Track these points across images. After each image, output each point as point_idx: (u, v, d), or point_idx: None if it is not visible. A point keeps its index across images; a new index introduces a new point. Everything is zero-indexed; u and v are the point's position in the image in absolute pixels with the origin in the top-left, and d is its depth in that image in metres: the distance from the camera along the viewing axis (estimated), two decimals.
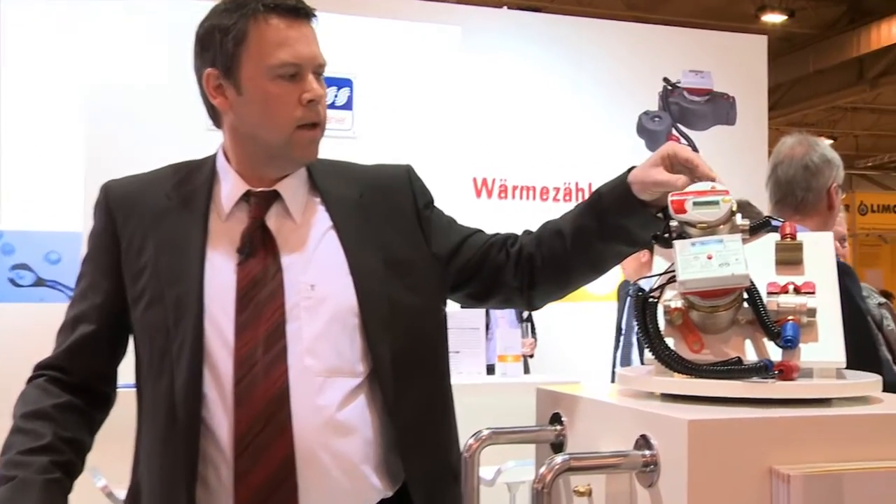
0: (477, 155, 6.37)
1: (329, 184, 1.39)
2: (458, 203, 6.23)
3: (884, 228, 15.65)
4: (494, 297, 1.42)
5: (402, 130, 6.08)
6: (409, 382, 1.31)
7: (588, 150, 6.63)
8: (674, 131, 6.78)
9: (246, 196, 1.35)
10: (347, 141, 5.50)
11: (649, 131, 6.74)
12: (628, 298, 4.98)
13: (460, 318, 4.29)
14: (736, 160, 6.68)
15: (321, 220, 1.36)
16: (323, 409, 1.25)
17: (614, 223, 1.30)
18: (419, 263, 1.37)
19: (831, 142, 14.67)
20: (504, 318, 5.35)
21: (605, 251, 1.34)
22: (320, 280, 1.30)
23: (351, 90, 5.68)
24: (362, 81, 5.81)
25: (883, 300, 3.06)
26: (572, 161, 6.63)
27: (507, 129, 6.45)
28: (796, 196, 2.32)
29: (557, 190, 6.66)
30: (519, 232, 1.45)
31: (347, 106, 5.67)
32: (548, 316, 5.73)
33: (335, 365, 1.28)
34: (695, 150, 6.76)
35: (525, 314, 5.38)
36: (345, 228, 1.34)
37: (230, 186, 1.35)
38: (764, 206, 2.49)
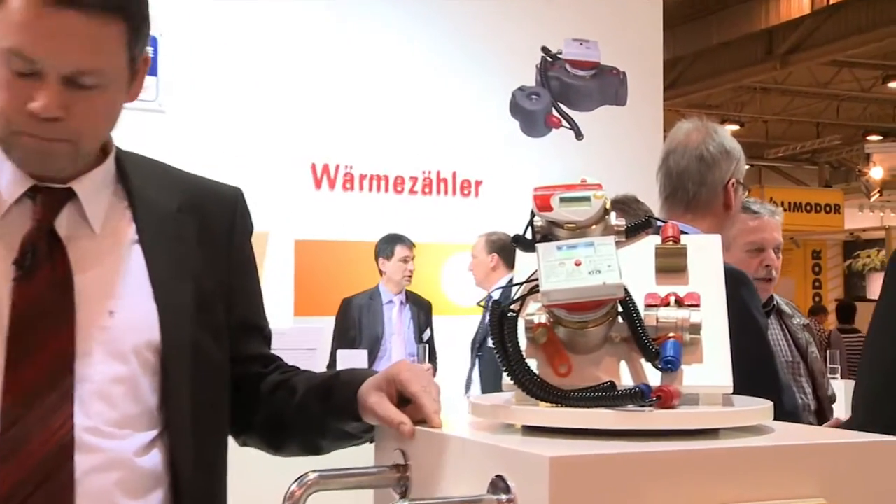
0: (316, 137, 6.37)
1: (142, 186, 1.37)
2: (293, 196, 6.28)
3: (796, 229, 16.59)
4: None
5: (220, 104, 5.99)
6: (205, 441, 1.33)
7: (452, 134, 6.75)
8: (553, 111, 6.99)
9: (32, 192, 1.30)
10: (151, 115, 5.36)
11: (525, 111, 6.93)
12: (486, 311, 5.15)
13: (294, 337, 4.26)
14: (625, 147, 6.99)
15: (126, 230, 1.33)
16: (114, 465, 1.23)
17: (335, 426, 1.38)
18: (220, 310, 1.39)
19: (737, 128, 15.52)
20: (399, 336, 5.45)
21: (323, 442, 1.43)
22: (121, 306, 1.28)
23: (155, 51, 5.54)
24: (170, 42, 5.67)
25: (806, 321, 3.28)
26: (433, 146, 6.74)
27: (355, 106, 6.48)
28: (688, 191, 2.43)
29: (415, 180, 6.74)
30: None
31: (151, 71, 5.52)
32: (454, 335, 5.84)
33: (131, 413, 1.27)
34: (578, 135, 7.01)
35: (426, 335, 5.53)
36: (153, 245, 1.33)
37: (8, 178, 1.29)
38: (656, 202, 2.62)
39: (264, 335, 1.53)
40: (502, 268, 5.27)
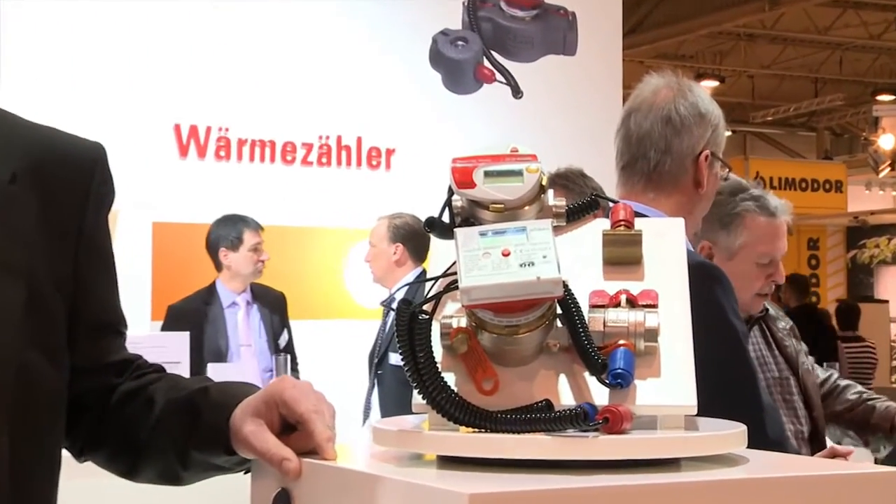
0: (182, 91, 6.31)
1: None
2: (150, 166, 6.21)
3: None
4: None
5: (54, 41, 5.90)
6: (26, 493, 1.31)
7: (356, 91, 6.75)
8: (484, 62, 7.02)
9: None
10: None
11: (449, 61, 6.95)
12: (387, 314, 5.17)
13: (152, 348, 4.23)
14: (574, 108, 7.07)
15: None
16: None
17: (199, 457, 1.39)
18: (61, 319, 1.37)
19: (716, 84, 15.74)
20: (251, 347, 5.40)
21: (185, 474, 1.43)
22: None
23: None
24: None
25: (790, 323, 3.35)
26: (332, 106, 6.73)
27: (232, 52, 6.44)
28: (649, 160, 2.48)
29: (309, 148, 6.74)
30: None
31: None
32: (315, 342, 5.82)
33: None
34: (516, 91, 7.10)
35: (283, 342, 5.48)
36: None
37: None
38: (611, 176, 2.66)
39: (120, 333, 1.52)
40: (409, 262, 5.28)
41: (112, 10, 6.13)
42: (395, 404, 4.87)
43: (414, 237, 5.22)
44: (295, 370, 5.44)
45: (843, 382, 3.38)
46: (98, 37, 6.10)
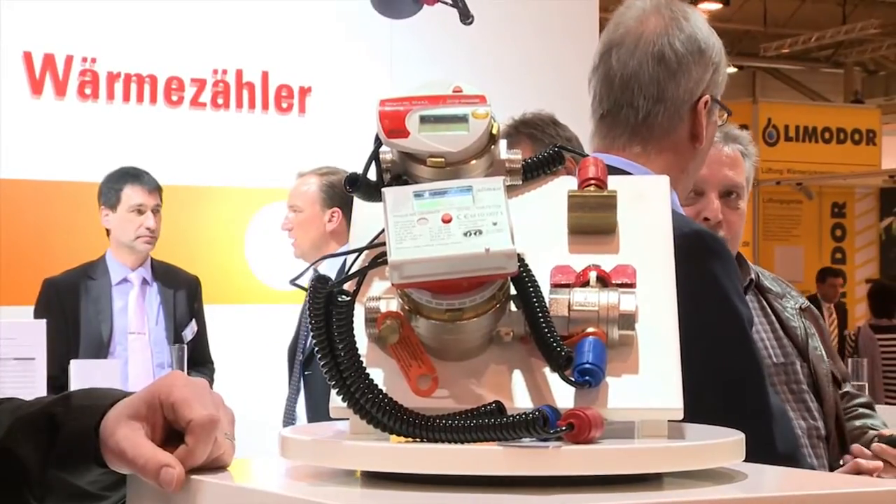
0: (34, 11, 6.24)
1: None
2: None
3: (807, 171, 16.99)
4: None
5: None
6: None
7: (262, 14, 6.72)
8: None
9: None
10: None
11: None
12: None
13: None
14: (538, 37, 7.07)
15: None
16: None
17: (60, 479, 1.39)
18: None
19: (718, 7, 15.79)
20: (143, 336, 5.35)
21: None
22: None
23: None
24: None
25: (805, 303, 3.39)
26: (230, 33, 6.70)
27: None
28: (637, 109, 2.50)
29: (200, 86, 6.71)
30: None
31: None
32: (223, 329, 5.79)
33: None
34: (464, 14, 7.14)
35: (190, 333, 5.41)
36: None
37: None
38: (585, 124, 2.68)
39: None
40: (346, 231, 5.23)
41: None
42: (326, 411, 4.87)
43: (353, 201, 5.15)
44: (202, 368, 5.40)
45: (860, 406, 3.43)
46: None
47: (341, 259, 4.55)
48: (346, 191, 1.32)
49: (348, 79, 6.82)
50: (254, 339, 6.20)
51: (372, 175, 1.31)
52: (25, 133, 6.25)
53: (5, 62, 6.21)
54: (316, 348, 1.20)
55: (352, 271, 1.26)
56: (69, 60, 6.40)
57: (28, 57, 6.32)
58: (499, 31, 7.06)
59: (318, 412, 5.02)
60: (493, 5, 7.03)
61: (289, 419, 5.22)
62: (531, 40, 7.08)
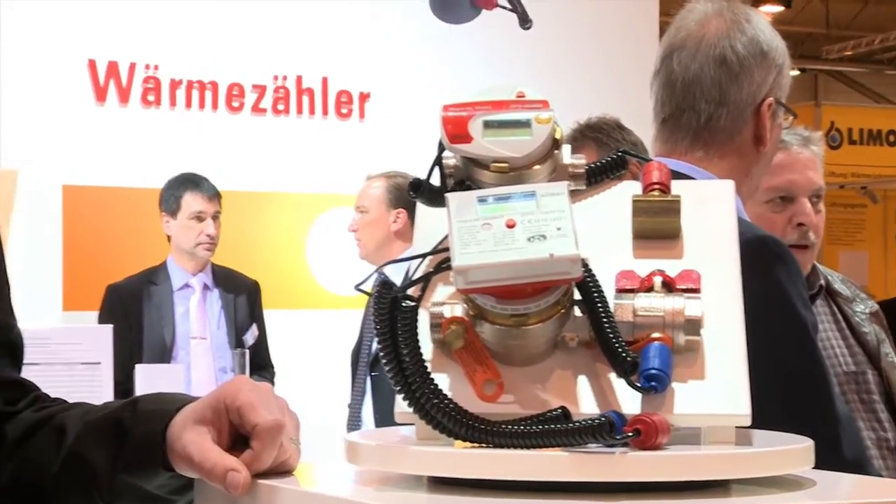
0: (98, 19, 6.29)
1: None
2: (59, 113, 6.19)
3: (871, 174, 16.83)
4: None
5: None
6: None
7: (322, 20, 6.74)
8: None
9: None
10: None
11: None
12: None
13: (63, 345, 4.22)
14: (597, 41, 7.05)
15: None
16: None
17: (129, 484, 1.40)
18: None
19: (780, 10, 15.70)
20: (205, 341, 5.38)
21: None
22: None
23: None
24: None
25: (875, 307, 3.35)
26: (290, 39, 6.72)
27: None
28: (699, 113, 2.49)
29: (261, 92, 6.73)
30: None
31: None
32: (285, 334, 5.81)
33: None
34: (524, 20, 7.10)
35: (251, 337, 5.45)
36: None
37: None
38: (647, 128, 2.66)
39: (11, 346, 1.53)
40: (411, 232, 5.25)
41: None
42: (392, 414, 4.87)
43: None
44: (266, 374, 5.43)
45: None
46: None
47: (406, 263, 4.55)
48: (409, 196, 1.31)
49: (407, 84, 6.83)
50: (315, 344, 6.22)
51: (435, 180, 1.30)
52: (89, 140, 6.29)
53: (70, 70, 6.26)
54: (381, 353, 1.20)
55: (416, 276, 1.26)
56: (132, 68, 6.44)
57: (92, 65, 6.36)
58: (558, 36, 7.05)
59: (387, 415, 5.01)
60: (551, 10, 7.03)
61: (354, 423, 5.24)
62: (591, 44, 7.07)
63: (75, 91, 6.29)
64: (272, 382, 5.37)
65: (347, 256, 5.47)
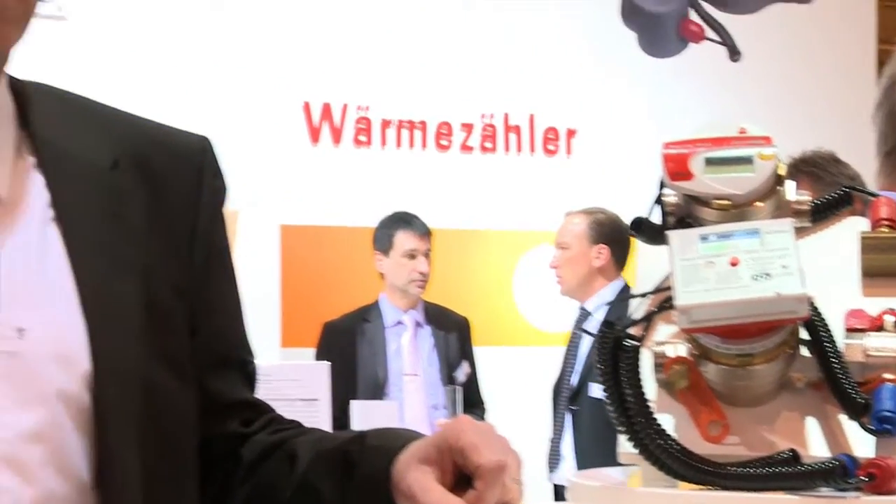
0: (312, 61, 6.42)
1: (56, 131, 1.41)
2: (275, 154, 6.32)
3: None
4: None
5: (149, 4, 6.06)
6: None
7: (527, 57, 6.76)
8: (692, 14, 6.96)
9: None
10: (48, 24, 5.47)
11: (646, 15, 6.90)
12: (579, 338, 5.13)
13: (282, 381, 4.29)
14: (812, 73, 6.92)
15: (35, 201, 1.37)
16: None
17: None
18: (181, 326, 1.43)
19: None
20: (416, 378, 5.45)
21: None
22: (33, 320, 1.33)
23: None
24: None
25: None
26: (497, 77, 6.75)
27: (373, 12, 6.51)
28: None
29: (469, 129, 6.77)
30: None
31: None
32: (494, 371, 5.84)
33: (56, 492, 1.31)
34: (733, 53, 6.98)
35: (462, 375, 5.50)
36: (77, 223, 1.37)
37: None
38: (868, 162, 2.61)
39: (246, 372, 1.57)
40: (612, 269, 5.26)
41: None
42: (597, 450, 4.84)
43: (621, 239, 5.14)
44: (477, 411, 5.45)
45: None
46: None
47: (608, 298, 4.48)
48: (629, 234, 1.31)
49: (613, 120, 6.80)
50: (523, 381, 6.20)
51: (655, 218, 1.29)
52: (305, 180, 6.40)
53: (287, 113, 6.39)
54: (604, 393, 1.19)
55: (639, 316, 1.25)
56: (345, 109, 6.53)
57: (307, 107, 6.47)
58: (770, 68, 6.94)
59: (585, 447, 5.00)
60: (760, 41, 6.93)
61: (554, 458, 5.21)
62: (806, 75, 6.93)
63: (291, 133, 6.41)
64: (483, 419, 5.38)
65: (554, 293, 5.46)
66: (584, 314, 5.18)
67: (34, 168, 1.39)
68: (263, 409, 1.56)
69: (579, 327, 5.17)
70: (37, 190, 1.38)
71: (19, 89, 1.43)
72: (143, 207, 1.42)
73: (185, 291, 1.45)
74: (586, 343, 5.05)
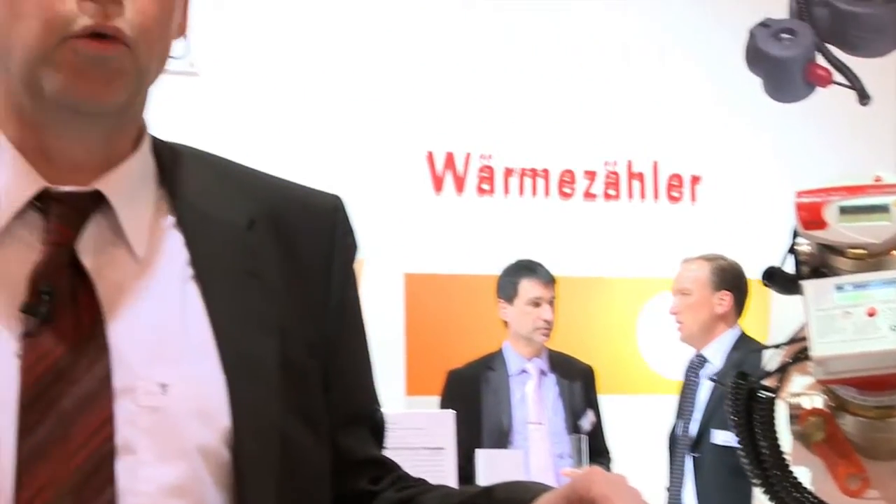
0: (434, 111, 6.47)
1: (195, 191, 1.45)
2: (399, 204, 6.38)
3: None
4: None
5: (276, 63, 6.16)
6: None
7: (650, 103, 6.75)
8: (819, 59, 6.90)
9: (41, 201, 1.37)
10: (179, 79, 5.57)
11: (771, 59, 6.87)
12: (697, 384, 5.08)
13: (407, 430, 4.29)
14: None
15: (175, 259, 1.40)
16: None
17: None
18: (316, 382, 1.45)
19: None
20: (541, 427, 5.45)
21: None
22: (176, 375, 1.34)
23: None
24: None
25: None
26: (620, 124, 6.75)
27: (496, 61, 6.57)
28: None
29: (592, 176, 6.78)
30: None
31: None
32: (619, 420, 5.82)
33: None
34: (862, 96, 6.97)
35: (587, 423, 5.48)
36: (217, 281, 1.40)
37: (6, 179, 1.37)
38: None
39: (375, 425, 1.57)
40: (732, 316, 5.22)
41: (338, 17, 6.33)
42: (722, 499, 4.80)
43: (742, 286, 5.12)
44: (603, 461, 5.42)
45: None
46: (332, 46, 6.31)
47: (727, 345, 4.46)
48: (763, 284, 1.30)
49: (738, 167, 6.75)
50: (648, 429, 6.16)
51: (788, 268, 1.28)
52: (429, 228, 6.44)
53: (411, 162, 6.43)
54: (738, 444, 1.18)
55: (773, 367, 1.23)
56: (468, 158, 6.56)
57: (430, 156, 6.52)
58: None
59: (708, 494, 4.96)
60: (890, 84, 6.85)
61: (674, 502, 5.17)
62: None
63: (415, 182, 6.45)
64: (609, 469, 5.34)
65: (677, 341, 5.43)
66: (701, 360, 5.17)
67: (174, 227, 1.42)
68: (391, 466, 1.57)
69: (695, 374, 5.14)
70: (176, 248, 1.41)
71: (159, 148, 1.47)
72: (278, 266, 1.45)
73: (318, 350, 1.47)
74: (705, 389, 5.04)
